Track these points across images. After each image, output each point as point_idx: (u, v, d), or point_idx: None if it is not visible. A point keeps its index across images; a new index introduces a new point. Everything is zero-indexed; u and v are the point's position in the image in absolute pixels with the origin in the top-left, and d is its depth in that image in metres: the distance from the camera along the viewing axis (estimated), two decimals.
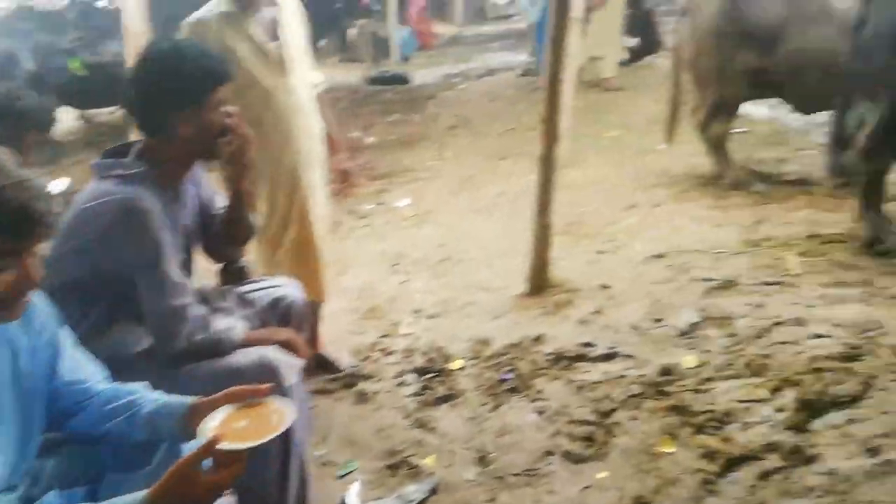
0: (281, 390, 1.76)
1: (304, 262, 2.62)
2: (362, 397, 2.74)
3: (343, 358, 2.94)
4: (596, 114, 6.61)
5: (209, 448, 1.19)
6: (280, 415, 1.31)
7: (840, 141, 4.03)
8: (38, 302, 1.37)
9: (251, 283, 2.19)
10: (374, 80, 10.00)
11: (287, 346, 1.91)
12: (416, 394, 2.72)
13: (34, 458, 1.37)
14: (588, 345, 2.81)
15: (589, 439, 2.29)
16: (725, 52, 4.19)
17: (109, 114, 7.73)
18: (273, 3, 2.52)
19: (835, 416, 2.06)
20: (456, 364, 2.88)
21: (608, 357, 2.73)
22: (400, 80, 9.92)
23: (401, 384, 2.81)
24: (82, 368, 1.46)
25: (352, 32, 12.76)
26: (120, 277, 1.72)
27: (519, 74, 9.05)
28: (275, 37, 2.49)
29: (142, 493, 1.18)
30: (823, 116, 4.28)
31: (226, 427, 1.27)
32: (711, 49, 4.26)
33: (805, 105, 4.38)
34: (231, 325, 1.86)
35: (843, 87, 3.44)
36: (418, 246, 4.21)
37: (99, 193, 1.72)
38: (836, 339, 2.42)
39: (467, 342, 3.03)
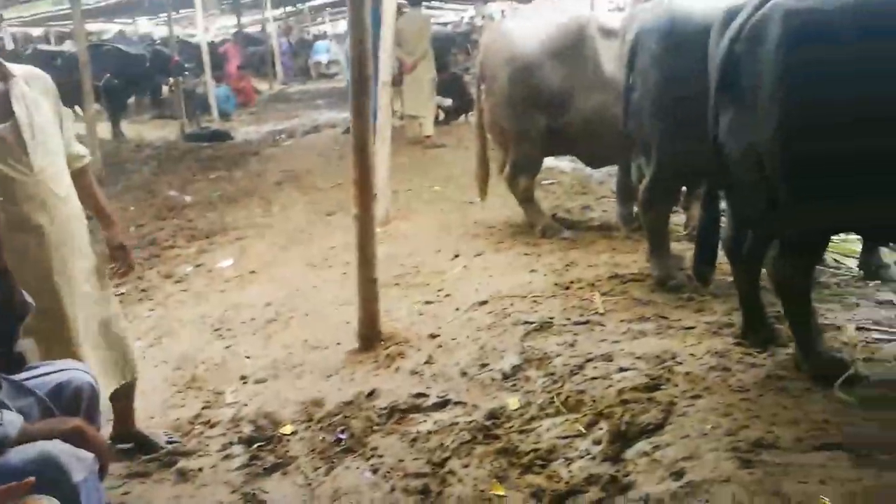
0: (68, 488, 1.59)
1: (104, 346, 2.44)
2: (184, 476, 2.53)
3: (160, 436, 2.72)
4: (419, 169, 6.87)
5: None
6: None
7: (625, 193, 4.56)
8: None
9: (29, 369, 1.94)
10: (192, 137, 9.64)
11: (75, 436, 1.71)
12: (243, 465, 2.57)
13: None
14: (420, 395, 2.84)
15: (424, 492, 2.30)
16: (519, 117, 4.58)
17: None
18: (4, 76, 2.23)
19: (643, 444, 2.24)
20: (287, 429, 2.77)
21: (440, 406, 2.77)
22: (220, 136, 9.65)
23: (227, 457, 2.64)
24: None
25: (165, 90, 12.28)
26: None
27: (343, 131, 9.20)
28: (7, 115, 2.18)
29: None
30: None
31: None
32: (507, 114, 4.63)
33: (594, 161, 4.96)
34: (5, 419, 1.63)
35: (622, 145, 3.90)
36: (243, 307, 4.04)
37: None
38: (639, 370, 2.66)
39: (299, 405, 2.93)
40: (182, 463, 2.61)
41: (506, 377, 2.86)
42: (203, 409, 3.00)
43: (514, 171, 4.72)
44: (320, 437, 2.69)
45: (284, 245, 5.11)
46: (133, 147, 9.44)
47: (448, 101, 9.09)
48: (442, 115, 9.09)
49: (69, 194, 2.36)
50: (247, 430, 2.78)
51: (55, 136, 2.33)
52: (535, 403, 2.64)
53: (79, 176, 2.45)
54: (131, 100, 11.49)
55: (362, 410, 2.83)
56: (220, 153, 8.75)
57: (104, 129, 9.20)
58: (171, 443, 2.71)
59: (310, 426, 2.78)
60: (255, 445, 2.68)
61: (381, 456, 2.53)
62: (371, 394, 2.92)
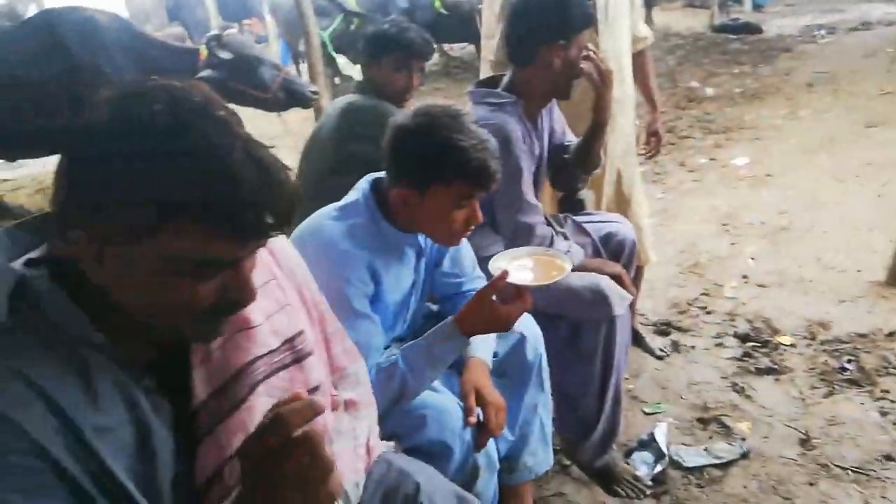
0: (608, 318, 1.85)
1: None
2: (676, 347, 2.71)
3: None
4: None
5: (498, 282, 1.37)
6: (561, 270, 1.46)
7: None
8: None
9: (587, 214, 2.27)
10: (721, 28, 9.30)
11: (616, 279, 1.96)
12: (735, 358, 2.61)
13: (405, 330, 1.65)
14: None
15: None
16: None
17: (461, 49, 8.43)
18: None
19: None
20: (785, 339, 2.68)
21: None
22: (750, 28, 9.07)
23: (719, 345, 2.71)
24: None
25: None
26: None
27: None
28: None
29: (451, 318, 1.43)
30: None
31: (517, 269, 1.46)
32: None
33: None
34: (571, 248, 1.95)
35: None
36: (754, 209, 3.91)
37: (476, 118, 1.92)
38: None
39: (801, 320, 2.79)
40: (675, 336, 2.79)
41: None
42: (701, 294, 3.10)
43: None
44: (822, 359, 2.53)
45: (808, 152, 4.67)
46: (661, 35, 9.61)
47: None
48: None
49: (625, 76, 2.49)
50: (742, 327, 2.79)
51: (625, 17, 2.45)
52: None
53: (637, 57, 2.55)
54: None
55: (877, 347, 2.54)
56: (747, 47, 8.27)
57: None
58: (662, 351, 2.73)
59: (811, 344, 2.63)
60: (749, 344, 2.68)
61: (893, 401, 2.27)
62: (893, 334, 2.58)
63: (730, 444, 2.16)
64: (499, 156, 1.80)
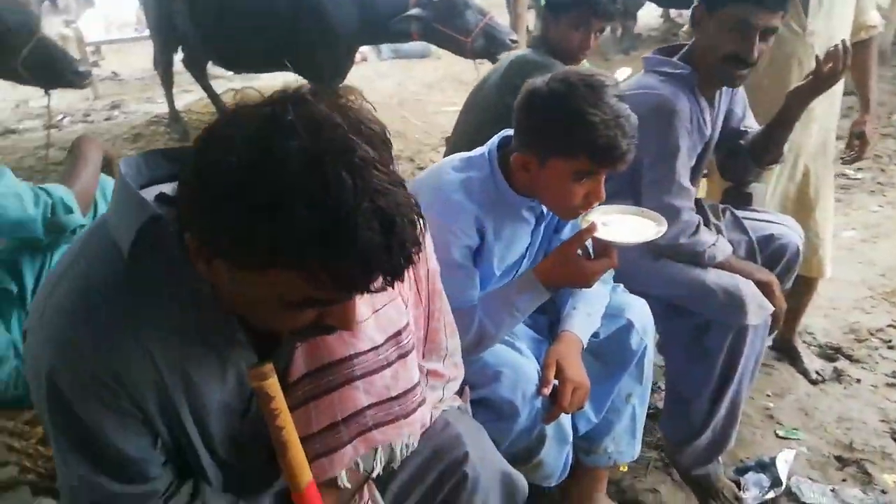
0: (740, 326, 1.69)
1: (805, 226, 2.22)
2: (838, 376, 2.41)
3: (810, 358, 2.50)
4: None
5: (585, 234, 1.32)
6: (656, 232, 1.37)
7: None
8: None
9: (752, 210, 2.06)
10: None
11: (765, 288, 1.77)
12: None
13: None
14: None
15: None
16: None
17: (678, 16, 7.83)
18: None
19: None
20: None
21: None
22: None
23: (892, 385, 2.37)
24: None
25: None
26: (634, 167, 1.75)
27: None
28: None
29: (531, 270, 1.40)
30: None
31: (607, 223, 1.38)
32: None
33: None
34: (718, 242, 1.78)
35: None
36: None
37: (641, 85, 1.80)
38: None
39: None
40: (841, 364, 2.48)
41: None
42: (889, 326, 2.69)
43: None
44: None
45: None
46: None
47: None
48: None
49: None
50: None
51: (849, 1, 2.15)
52: None
53: (859, 47, 2.19)
54: None
55: None
56: None
57: None
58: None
59: None
60: None
61: None
62: None
63: (865, 492, 1.90)
64: (655, 130, 1.71)
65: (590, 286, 1.39)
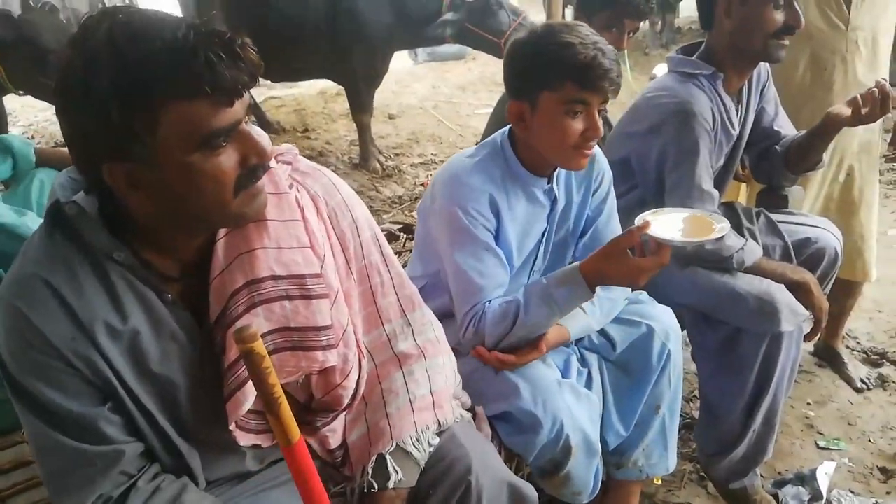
0: (773, 332, 1.64)
1: (848, 229, 2.18)
2: (883, 383, 2.33)
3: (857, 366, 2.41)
4: None
5: (638, 232, 1.27)
6: (711, 232, 1.31)
7: None
8: (599, 153, 1.56)
9: (787, 213, 1.99)
10: None
11: (801, 290, 1.71)
12: None
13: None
14: None
15: None
16: None
17: None
18: None
19: None
20: None
21: None
22: None
23: None
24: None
25: None
26: (657, 169, 1.74)
27: None
28: None
29: (576, 264, 1.37)
30: None
31: (661, 222, 1.32)
32: None
33: None
34: (746, 246, 1.72)
35: None
36: None
37: (659, 88, 1.76)
38: None
39: None
40: (886, 369, 2.39)
41: None
42: None
43: None
44: None
45: None
46: None
47: None
48: None
49: (880, 61, 2.12)
50: None
51: None
52: None
53: None
54: None
55: None
56: None
57: None
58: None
59: None
60: None
61: None
62: None
63: None
64: (674, 133, 1.67)
65: (638, 286, 1.34)
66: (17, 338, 0.87)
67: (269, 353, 0.94)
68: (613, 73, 1.30)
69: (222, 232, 0.95)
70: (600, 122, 1.34)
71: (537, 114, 1.35)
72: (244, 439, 1.00)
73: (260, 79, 0.87)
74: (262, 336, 0.93)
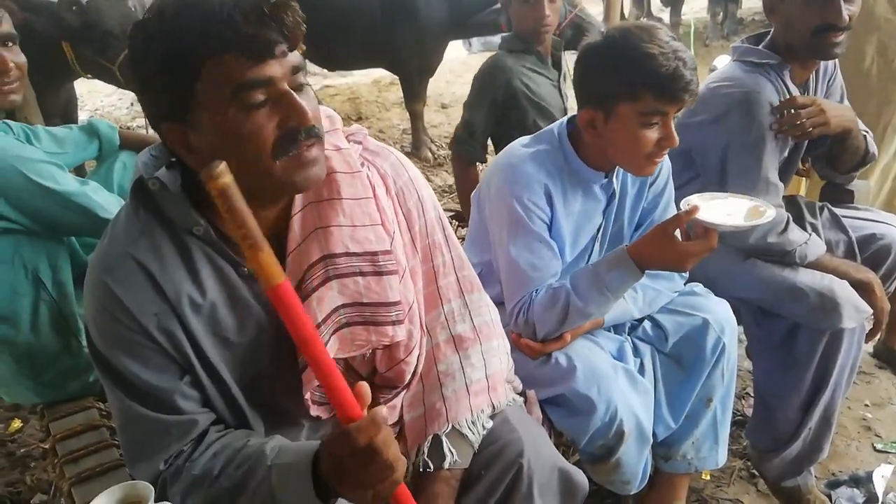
0: (835, 330, 1.61)
1: None
2: None
3: None
4: None
5: (686, 216, 1.26)
6: (760, 216, 1.30)
7: None
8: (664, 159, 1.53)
9: (853, 208, 1.94)
10: None
11: (865, 286, 1.67)
12: None
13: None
14: None
15: None
16: None
17: None
18: None
19: None
20: None
21: None
22: None
23: None
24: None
25: None
26: (720, 160, 1.71)
27: None
28: None
29: (623, 246, 1.36)
30: None
31: (708, 207, 1.31)
32: None
33: None
34: (810, 241, 1.69)
35: None
36: None
37: (726, 76, 1.73)
38: None
39: None
40: None
41: None
42: None
43: None
44: None
45: None
46: None
47: None
48: None
49: None
50: None
51: None
52: None
53: None
54: None
55: None
56: None
57: None
58: None
59: None
60: None
61: None
62: None
63: None
64: (739, 123, 1.64)
65: (685, 270, 1.34)
66: (105, 314, 0.91)
67: (343, 327, 0.99)
68: (693, 83, 1.28)
69: (297, 207, 0.98)
70: (675, 133, 1.33)
71: (611, 123, 1.34)
72: (314, 410, 1.03)
73: (316, 66, 0.89)
74: (336, 309, 0.97)
